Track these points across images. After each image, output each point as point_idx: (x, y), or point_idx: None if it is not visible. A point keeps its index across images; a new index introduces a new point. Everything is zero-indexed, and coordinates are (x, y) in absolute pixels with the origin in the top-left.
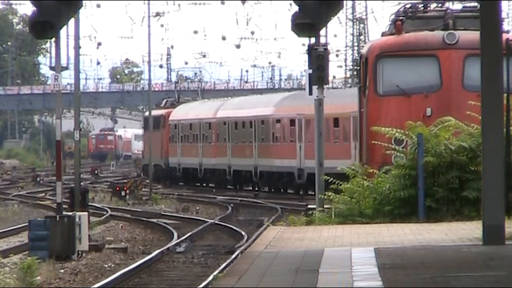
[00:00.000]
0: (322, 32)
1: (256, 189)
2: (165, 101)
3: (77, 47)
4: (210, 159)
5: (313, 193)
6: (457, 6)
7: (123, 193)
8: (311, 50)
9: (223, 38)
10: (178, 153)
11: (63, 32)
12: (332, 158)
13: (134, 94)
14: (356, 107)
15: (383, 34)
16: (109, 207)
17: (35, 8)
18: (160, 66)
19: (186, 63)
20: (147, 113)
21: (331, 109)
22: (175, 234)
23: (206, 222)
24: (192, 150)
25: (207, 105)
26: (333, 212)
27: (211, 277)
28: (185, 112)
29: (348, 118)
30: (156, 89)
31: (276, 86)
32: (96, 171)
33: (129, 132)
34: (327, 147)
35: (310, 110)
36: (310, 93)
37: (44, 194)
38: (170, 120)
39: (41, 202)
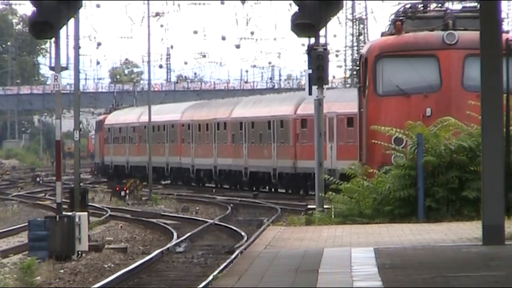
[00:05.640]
0: (322, 32)
1: (174, 183)
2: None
3: (77, 47)
4: (134, 157)
5: (200, 185)
6: (457, 6)
7: (122, 193)
8: (311, 50)
9: (223, 38)
10: (111, 153)
11: (63, 32)
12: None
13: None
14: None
15: (383, 34)
16: (109, 208)
17: (35, 8)
18: (160, 67)
19: (186, 63)
20: (98, 118)
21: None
22: (175, 235)
23: (206, 222)
24: (121, 150)
25: (133, 111)
26: (333, 212)
27: (211, 277)
28: (117, 117)
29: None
30: (156, 89)
31: (276, 86)
32: (96, 171)
33: None
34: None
35: (200, 116)
36: (310, 93)
37: (43, 194)
38: (105, 125)
39: (41, 202)
